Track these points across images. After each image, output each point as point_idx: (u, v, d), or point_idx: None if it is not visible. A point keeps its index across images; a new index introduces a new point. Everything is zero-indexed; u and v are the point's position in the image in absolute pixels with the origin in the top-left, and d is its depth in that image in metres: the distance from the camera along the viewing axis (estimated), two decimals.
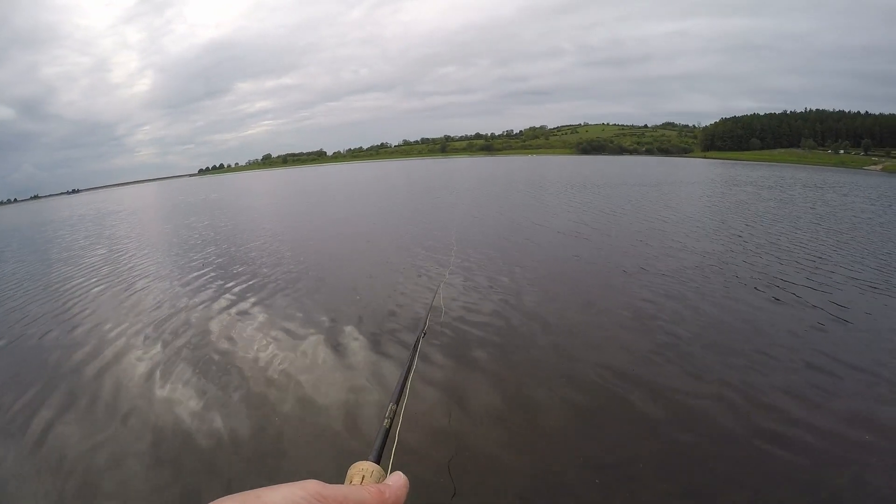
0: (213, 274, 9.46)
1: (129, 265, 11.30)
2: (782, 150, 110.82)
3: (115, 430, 4.06)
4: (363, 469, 0.53)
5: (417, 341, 1.16)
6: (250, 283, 8.45)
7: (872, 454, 3.31)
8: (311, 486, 0.41)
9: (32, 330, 6.95)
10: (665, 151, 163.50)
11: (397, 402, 0.73)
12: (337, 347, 5.45)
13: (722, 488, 3.07)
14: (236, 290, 8.04)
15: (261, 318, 6.60)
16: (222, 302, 7.42)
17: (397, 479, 0.47)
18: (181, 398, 4.51)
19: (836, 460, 3.27)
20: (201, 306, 7.28)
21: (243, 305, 7.14)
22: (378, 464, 0.55)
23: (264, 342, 5.72)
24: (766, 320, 5.77)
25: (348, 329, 5.95)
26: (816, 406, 3.90)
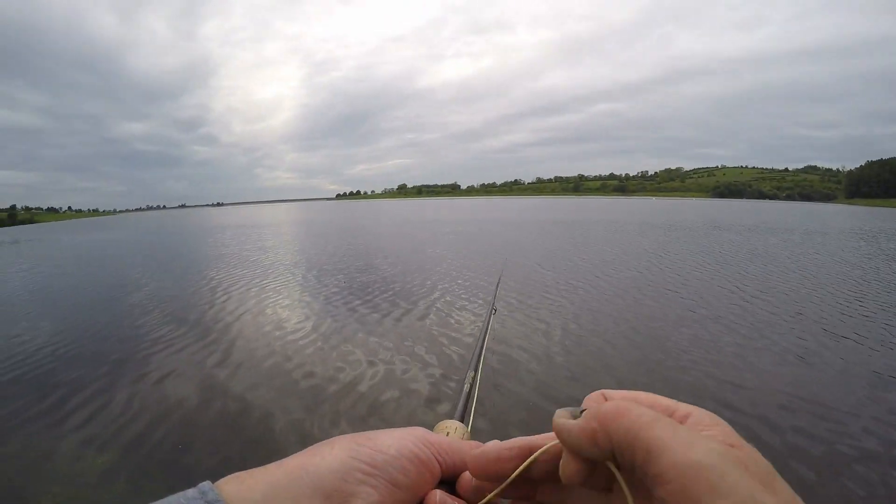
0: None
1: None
2: None
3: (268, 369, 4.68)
4: (448, 426, 0.54)
5: (489, 315, 1.23)
6: None
7: None
8: (419, 432, 0.43)
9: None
10: (807, 197, 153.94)
11: (476, 369, 0.76)
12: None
13: None
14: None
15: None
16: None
17: (496, 444, 0.43)
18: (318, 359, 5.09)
19: None
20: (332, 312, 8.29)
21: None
22: (462, 422, 0.57)
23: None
24: None
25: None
26: None
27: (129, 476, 3.11)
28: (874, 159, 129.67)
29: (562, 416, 0.34)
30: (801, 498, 0.26)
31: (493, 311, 1.38)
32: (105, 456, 3.34)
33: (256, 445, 3.47)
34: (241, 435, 3.63)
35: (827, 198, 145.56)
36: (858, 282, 8.97)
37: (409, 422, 3.66)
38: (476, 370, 0.79)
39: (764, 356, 5.01)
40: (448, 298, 7.79)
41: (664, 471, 0.27)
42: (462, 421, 0.60)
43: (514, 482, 0.38)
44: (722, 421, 0.32)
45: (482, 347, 0.92)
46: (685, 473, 0.26)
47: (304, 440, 3.48)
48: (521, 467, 0.37)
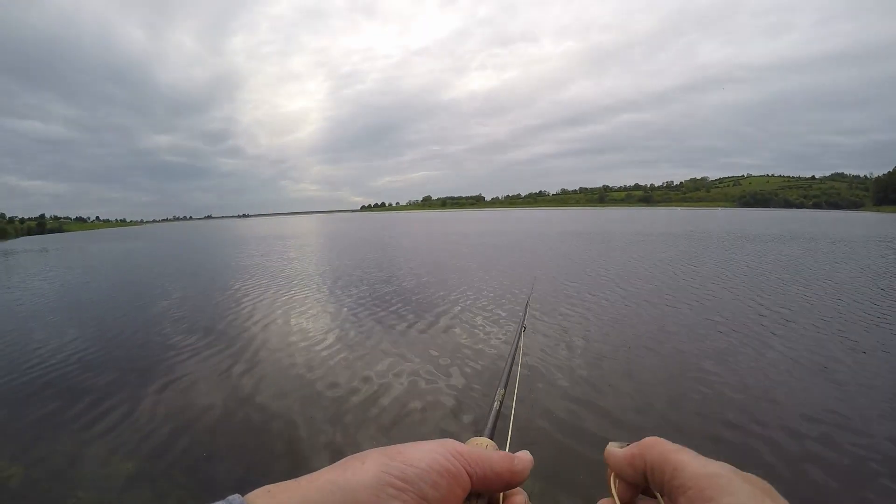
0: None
1: None
2: None
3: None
4: (479, 443, 0.54)
5: (519, 334, 1.20)
6: None
7: None
8: (450, 444, 0.43)
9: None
10: (834, 205, 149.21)
11: (505, 387, 0.77)
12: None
13: None
14: None
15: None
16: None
17: (525, 455, 0.47)
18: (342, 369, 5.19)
19: None
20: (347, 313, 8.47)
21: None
22: (492, 439, 0.57)
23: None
24: None
25: None
26: None
27: (154, 484, 3.13)
28: None
29: (613, 446, 0.45)
30: None
31: (524, 329, 1.37)
32: (131, 462, 3.38)
33: (281, 456, 3.48)
34: (266, 445, 3.64)
35: (854, 205, 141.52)
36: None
37: (433, 435, 3.52)
38: (506, 387, 0.80)
39: (782, 368, 4.96)
40: (474, 312, 7.71)
41: (686, 481, 0.36)
42: (492, 438, 0.60)
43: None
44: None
45: (511, 364, 0.92)
46: (701, 481, 0.35)
47: (328, 450, 3.51)
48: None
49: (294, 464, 3.34)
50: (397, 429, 3.85)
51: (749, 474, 0.36)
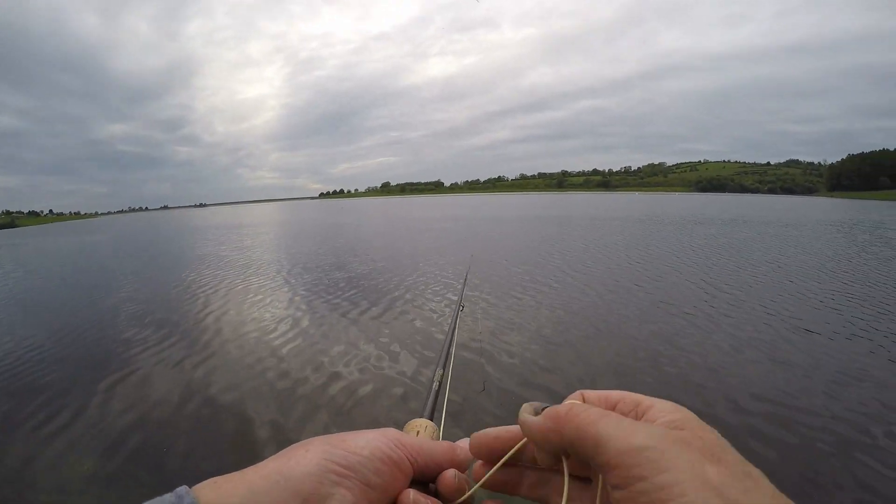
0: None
1: None
2: None
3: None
4: (418, 425, 0.54)
5: (456, 313, 1.24)
6: None
7: None
8: (391, 433, 0.44)
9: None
10: (789, 191, 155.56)
11: (444, 367, 0.77)
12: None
13: None
14: None
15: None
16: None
17: (467, 444, 0.45)
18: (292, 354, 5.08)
19: None
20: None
21: None
22: (431, 420, 0.57)
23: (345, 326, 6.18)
24: None
25: None
26: None
27: (113, 481, 3.10)
28: (855, 153, 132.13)
29: (526, 411, 0.38)
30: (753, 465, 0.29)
31: (461, 308, 1.39)
32: (89, 461, 3.32)
33: (236, 446, 3.51)
34: (221, 435, 3.66)
35: (809, 191, 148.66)
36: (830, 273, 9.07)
37: (380, 419, 3.82)
38: (444, 368, 0.79)
39: (729, 348, 5.11)
40: (421, 295, 7.90)
41: (611, 458, 0.30)
42: (432, 419, 0.60)
43: (504, 467, 0.41)
44: (682, 408, 0.34)
45: (450, 344, 0.92)
46: (628, 457, 0.29)
47: (278, 439, 3.56)
48: (514, 449, 0.40)
49: (251, 453, 3.39)
50: (347, 416, 3.90)
51: (693, 429, 0.31)
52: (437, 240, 17.41)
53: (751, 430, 3.47)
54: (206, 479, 0.35)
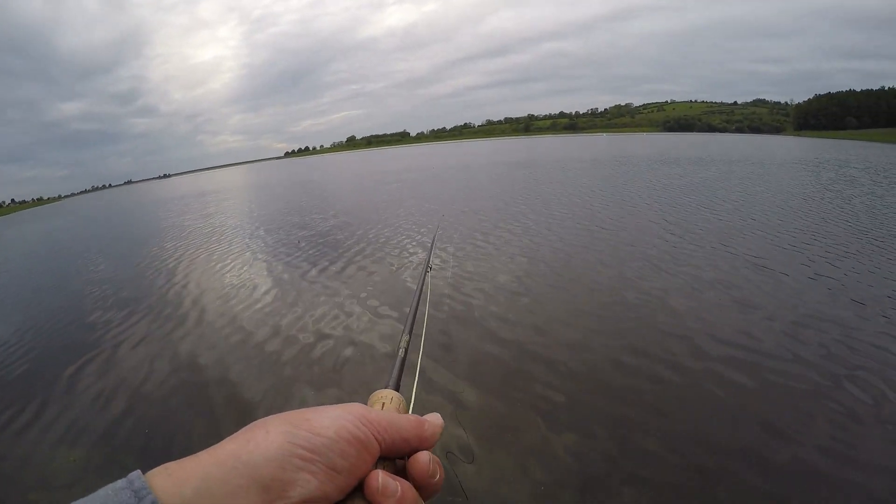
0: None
1: None
2: (881, 130, 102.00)
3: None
4: (383, 396, 0.52)
5: (422, 275, 1.16)
6: None
7: None
8: (356, 409, 0.42)
9: None
10: (756, 130, 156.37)
11: (410, 333, 0.73)
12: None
13: None
14: None
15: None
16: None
17: (435, 418, 0.46)
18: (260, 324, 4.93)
19: None
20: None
21: None
22: (397, 391, 0.55)
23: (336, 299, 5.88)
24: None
25: None
26: None
27: (103, 471, 3.08)
28: (822, 93, 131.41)
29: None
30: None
31: (429, 270, 1.31)
32: (77, 452, 3.31)
33: (221, 419, 3.50)
34: (205, 410, 3.65)
35: (776, 130, 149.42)
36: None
37: (348, 388, 3.74)
38: (411, 334, 0.75)
39: (690, 289, 5.17)
40: (389, 254, 7.72)
41: None
42: (398, 389, 0.57)
43: None
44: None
45: (416, 309, 0.87)
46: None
47: (263, 407, 3.57)
48: None
49: (237, 425, 2.97)
50: (332, 379, 3.88)
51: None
52: (402, 194, 16.84)
53: (712, 374, 3.47)
54: (158, 466, 0.34)
